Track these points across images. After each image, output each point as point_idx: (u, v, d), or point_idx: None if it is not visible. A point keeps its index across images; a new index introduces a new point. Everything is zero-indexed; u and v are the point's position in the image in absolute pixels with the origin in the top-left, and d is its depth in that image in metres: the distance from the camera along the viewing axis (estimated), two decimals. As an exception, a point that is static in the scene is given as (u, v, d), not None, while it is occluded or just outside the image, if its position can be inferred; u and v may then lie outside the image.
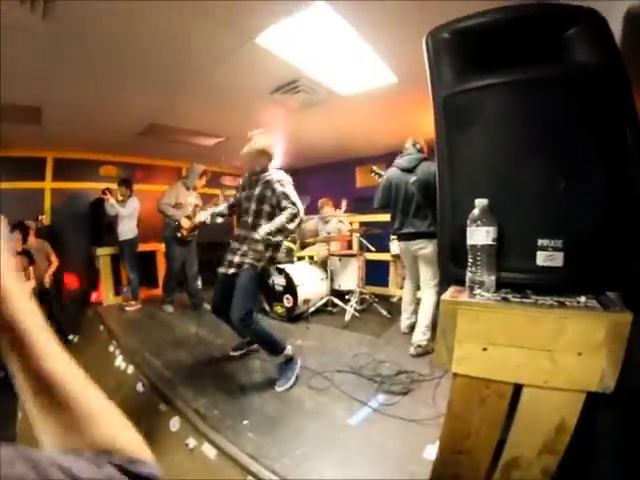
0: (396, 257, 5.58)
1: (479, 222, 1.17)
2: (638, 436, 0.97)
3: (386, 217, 4.18)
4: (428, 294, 3.72)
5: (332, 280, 5.42)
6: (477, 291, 1.20)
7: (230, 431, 2.58)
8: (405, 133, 4.14)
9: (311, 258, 6.05)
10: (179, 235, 5.39)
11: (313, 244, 6.14)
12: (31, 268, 4.92)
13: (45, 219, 6.18)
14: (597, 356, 0.99)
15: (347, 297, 5.26)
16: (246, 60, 3.32)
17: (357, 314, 4.93)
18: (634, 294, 1.07)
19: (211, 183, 6.77)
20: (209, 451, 2.50)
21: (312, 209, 6.50)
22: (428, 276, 3.72)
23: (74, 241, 6.45)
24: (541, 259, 1.15)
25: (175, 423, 2.85)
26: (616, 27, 1.23)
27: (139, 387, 3.54)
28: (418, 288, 4.08)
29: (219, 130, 5.67)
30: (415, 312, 4.05)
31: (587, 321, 1.01)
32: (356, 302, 5.03)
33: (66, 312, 5.59)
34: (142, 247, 6.33)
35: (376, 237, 5.64)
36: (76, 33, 2.78)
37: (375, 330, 4.47)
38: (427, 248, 3.64)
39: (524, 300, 1.14)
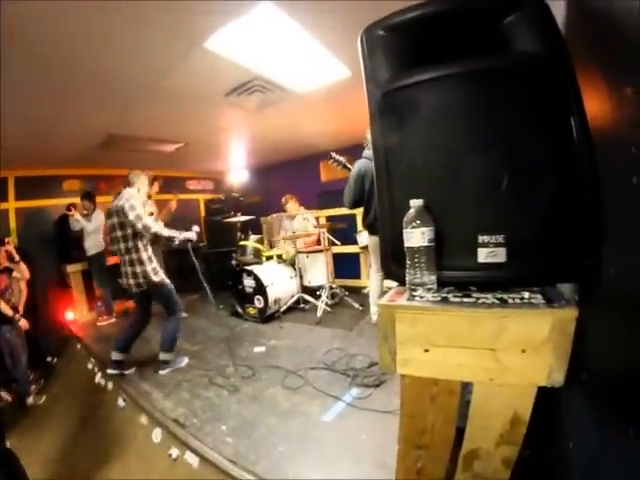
0: (365, 249, 5.54)
1: (414, 224, 1.12)
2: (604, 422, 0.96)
3: (351, 211, 4.15)
4: None
5: (302, 277, 5.43)
6: (418, 292, 1.16)
7: (210, 438, 2.59)
8: (365, 125, 4.09)
9: (279, 257, 6.04)
10: None
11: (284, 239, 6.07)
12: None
13: (12, 241, 5.92)
14: (543, 352, 0.96)
15: (318, 293, 5.26)
16: (196, 65, 3.24)
17: (329, 309, 4.95)
18: (589, 285, 1.03)
19: (172, 188, 6.74)
20: (191, 459, 2.53)
21: (278, 207, 6.47)
22: None
23: (43, 260, 6.20)
24: (482, 256, 1.10)
25: (157, 435, 2.89)
26: (559, 11, 1.17)
27: (120, 402, 3.53)
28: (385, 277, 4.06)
29: (178, 136, 5.56)
30: None
31: (528, 318, 0.98)
32: (327, 297, 5.04)
33: (43, 333, 5.43)
34: (113, 259, 6.13)
35: (342, 230, 5.64)
36: (24, 50, 2.69)
37: (347, 323, 4.49)
38: None
39: (464, 300, 1.10)
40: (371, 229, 3.92)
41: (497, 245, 1.08)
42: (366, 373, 3.13)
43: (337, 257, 6.27)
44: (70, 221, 5.65)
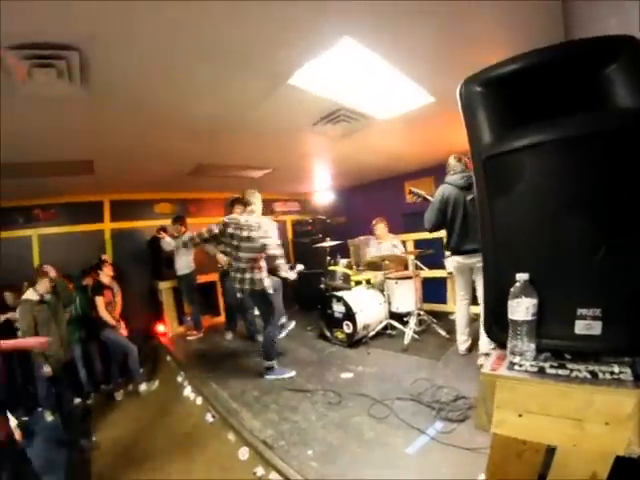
0: (451, 274, 5.50)
1: (520, 297, 1.26)
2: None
3: (439, 234, 4.21)
4: None
5: (390, 303, 5.49)
6: (517, 359, 1.31)
7: (296, 461, 2.76)
8: (449, 147, 4.20)
9: (368, 282, 6.10)
10: (219, 268, 6.02)
11: (374, 264, 6.02)
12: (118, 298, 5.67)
13: (107, 258, 6.58)
14: (624, 427, 1.05)
15: (405, 319, 5.29)
16: (282, 100, 3.46)
17: (416, 336, 4.96)
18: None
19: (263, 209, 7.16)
20: (276, 480, 2.70)
21: (365, 229, 6.59)
22: None
23: (136, 276, 6.92)
24: (579, 328, 1.21)
25: (244, 453, 3.08)
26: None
27: (208, 417, 3.80)
28: (472, 303, 4.14)
29: (265, 163, 5.90)
30: (471, 334, 4.13)
31: (615, 396, 1.08)
32: (415, 324, 5.04)
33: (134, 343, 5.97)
34: (202, 278, 6.69)
35: (429, 255, 5.65)
36: (114, 93, 3.05)
37: (434, 353, 4.49)
38: None
39: (559, 372, 1.22)
40: (454, 251, 4.00)
41: (594, 318, 1.20)
42: (451, 407, 3.14)
43: (423, 281, 6.23)
44: (161, 242, 6.09)
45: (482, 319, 3.61)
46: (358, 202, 8.64)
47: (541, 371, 1.25)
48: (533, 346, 1.30)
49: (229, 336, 6.12)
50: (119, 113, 3.45)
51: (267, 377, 4.28)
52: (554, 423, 1.17)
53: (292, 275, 4.55)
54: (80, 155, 4.52)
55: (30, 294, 4.35)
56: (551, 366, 1.27)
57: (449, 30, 2.55)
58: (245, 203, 4.49)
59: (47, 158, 4.38)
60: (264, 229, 4.22)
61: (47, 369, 4.19)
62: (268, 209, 8.62)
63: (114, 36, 2.27)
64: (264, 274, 4.24)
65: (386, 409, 3.30)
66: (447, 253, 4.34)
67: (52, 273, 4.53)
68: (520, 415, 1.22)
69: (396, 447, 2.78)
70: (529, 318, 1.26)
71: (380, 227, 6.32)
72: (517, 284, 1.28)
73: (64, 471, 3.71)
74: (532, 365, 1.28)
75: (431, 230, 4.09)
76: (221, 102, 3.46)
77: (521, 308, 1.26)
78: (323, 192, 8.85)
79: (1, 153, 3.68)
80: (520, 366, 1.29)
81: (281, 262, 4.30)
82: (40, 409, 4.94)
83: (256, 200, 4.49)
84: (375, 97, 3.63)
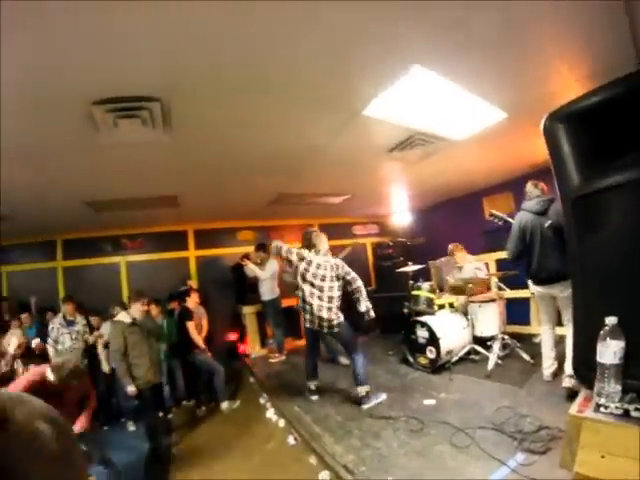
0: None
1: (608, 341, 1.29)
2: None
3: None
4: None
5: (473, 327, 5.40)
6: (602, 401, 1.33)
7: None
8: (525, 160, 4.45)
9: (451, 305, 6.01)
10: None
11: (458, 288, 5.86)
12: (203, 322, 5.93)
13: (193, 283, 7.07)
14: None
15: (489, 343, 5.17)
16: (358, 131, 3.62)
17: (499, 361, 4.82)
18: None
19: (339, 234, 7.52)
20: (356, 504, 2.72)
21: (446, 250, 6.49)
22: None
23: (220, 301, 7.27)
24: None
25: (324, 476, 3.16)
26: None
27: (290, 440, 3.92)
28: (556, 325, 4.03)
29: (344, 189, 6.12)
30: (557, 358, 3.99)
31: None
32: (499, 349, 4.90)
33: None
34: (285, 302, 6.84)
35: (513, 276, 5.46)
36: (195, 135, 3.35)
37: (517, 379, 4.34)
38: (569, 289, 3.51)
39: None
40: (535, 279, 3.92)
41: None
42: (533, 438, 3.02)
43: (507, 303, 6.01)
44: (245, 270, 6.44)
45: (568, 342, 3.58)
46: (437, 221, 8.54)
47: (626, 414, 1.27)
48: (619, 388, 1.31)
49: (310, 359, 6.22)
50: (200, 153, 3.76)
51: (365, 407, 4.16)
52: (635, 466, 1.17)
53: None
54: (164, 191, 4.96)
55: (122, 316, 4.56)
56: (635, 409, 1.28)
57: (511, 39, 2.51)
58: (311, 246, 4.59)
59: (135, 195, 4.86)
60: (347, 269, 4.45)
61: (132, 388, 4.36)
62: (348, 232, 8.94)
63: (192, 84, 2.54)
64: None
65: (468, 438, 3.24)
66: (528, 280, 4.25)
67: (139, 309, 4.59)
68: (603, 456, 1.25)
69: (477, 477, 2.74)
70: (617, 362, 1.28)
71: (459, 255, 6.20)
72: (606, 327, 1.30)
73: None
74: (617, 407, 1.30)
75: (514, 260, 4.04)
76: (300, 136, 3.68)
77: (609, 351, 1.29)
78: (401, 213, 8.90)
79: (95, 191, 4.20)
80: (606, 408, 1.31)
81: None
82: (123, 420, 5.36)
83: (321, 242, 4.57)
84: (448, 119, 3.69)
